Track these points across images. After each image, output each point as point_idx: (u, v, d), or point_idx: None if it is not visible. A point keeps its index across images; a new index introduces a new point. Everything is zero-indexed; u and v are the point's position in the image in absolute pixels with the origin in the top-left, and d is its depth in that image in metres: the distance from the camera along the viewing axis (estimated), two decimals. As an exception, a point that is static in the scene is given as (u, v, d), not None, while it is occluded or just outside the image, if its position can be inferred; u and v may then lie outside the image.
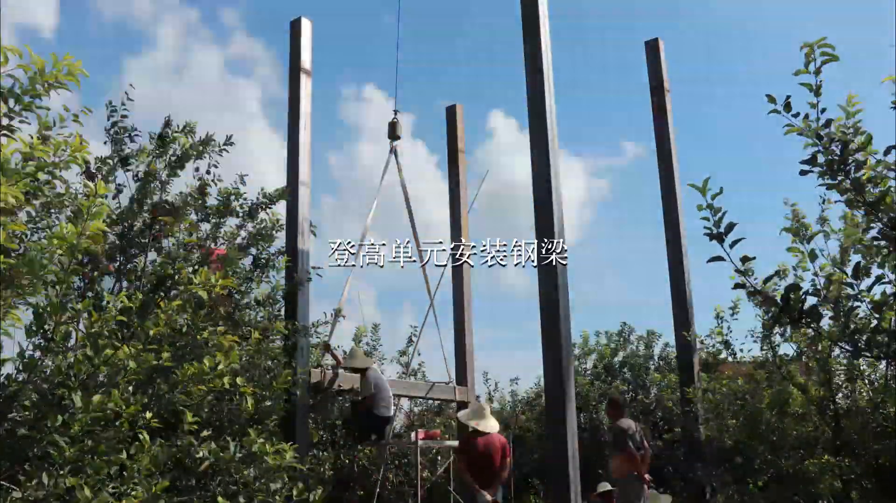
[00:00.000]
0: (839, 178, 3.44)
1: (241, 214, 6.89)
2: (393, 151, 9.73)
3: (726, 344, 7.41)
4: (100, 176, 6.11)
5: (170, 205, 6.06)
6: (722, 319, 7.41)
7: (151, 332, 3.99)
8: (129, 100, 6.36)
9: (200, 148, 6.45)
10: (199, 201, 6.41)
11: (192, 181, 6.52)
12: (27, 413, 3.62)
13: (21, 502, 3.40)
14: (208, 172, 6.58)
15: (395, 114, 9.82)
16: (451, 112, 10.58)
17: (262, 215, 7.01)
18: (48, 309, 3.53)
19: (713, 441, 7.57)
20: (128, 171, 6.30)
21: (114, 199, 6.17)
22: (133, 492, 3.65)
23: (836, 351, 6.41)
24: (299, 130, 8.21)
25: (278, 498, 4.24)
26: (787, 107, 3.45)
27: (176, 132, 6.43)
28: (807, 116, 3.42)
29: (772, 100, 3.47)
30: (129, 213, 6.00)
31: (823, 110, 3.37)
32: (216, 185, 6.61)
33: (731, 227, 3.42)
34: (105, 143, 6.35)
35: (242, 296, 6.78)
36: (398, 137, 9.78)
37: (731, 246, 3.45)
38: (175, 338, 4.25)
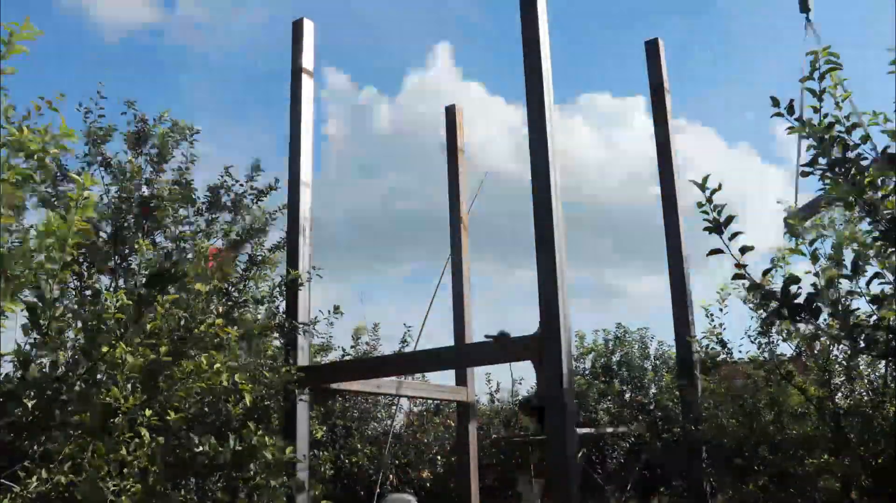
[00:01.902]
0: (840, 179, 3.48)
1: (231, 209, 6.91)
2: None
3: (722, 342, 7.40)
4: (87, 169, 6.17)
5: (159, 199, 6.08)
6: (711, 317, 7.41)
7: (149, 326, 4.00)
8: (101, 97, 6.35)
9: (177, 136, 6.49)
10: (184, 194, 6.43)
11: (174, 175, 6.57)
12: (26, 409, 3.63)
13: (21, 499, 3.41)
14: (187, 168, 6.62)
15: None
16: (450, 112, 10.59)
17: (254, 209, 7.04)
18: (42, 304, 3.54)
19: (713, 441, 7.57)
20: (111, 172, 6.32)
21: (100, 199, 6.18)
22: (132, 489, 3.66)
23: (835, 350, 6.42)
24: (300, 130, 8.25)
25: (279, 494, 4.26)
26: (790, 109, 3.51)
27: (150, 126, 6.47)
28: (810, 120, 3.49)
29: (776, 102, 3.53)
30: (118, 210, 6.03)
31: (826, 115, 3.45)
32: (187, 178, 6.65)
33: (730, 219, 3.52)
34: (86, 144, 6.35)
35: (241, 294, 6.80)
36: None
37: (731, 238, 3.55)
38: (173, 332, 4.26)
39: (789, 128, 3.48)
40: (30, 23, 3.22)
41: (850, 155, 3.39)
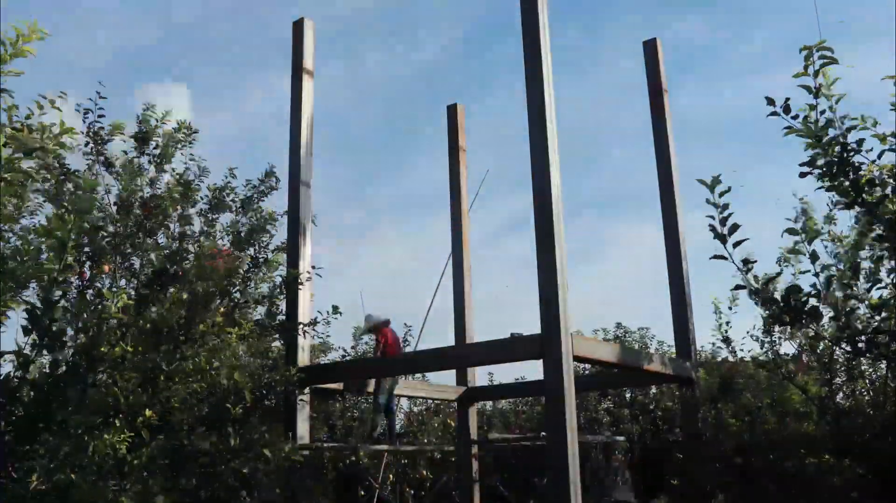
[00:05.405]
0: (839, 179, 3.45)
1: (234, 209, 6.91)
2: None
3: (726, 340, 7.37)
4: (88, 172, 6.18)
5: (158, 199, 6.08)
6: (720, 313, 7.37)
7: (149, 326, 4.01)
8: (101, 98, 6.33)
9: (179, 136, 6.50)
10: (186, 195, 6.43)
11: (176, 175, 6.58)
12: (26, 409, 3.63)
13: (21, 499, 3.41)
14: (188, 169, 6.63)
15: None
16: (451, 110, 10.57)
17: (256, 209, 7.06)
18: (42, 304, 3.54)
19: (713, 441, 7.55)
20: (112, 172, 6.31)
21: (101, 199, 6.17)
22: (133, 488, 3.66)
23: (837, 350, 6.41)
24: (301, 130, 8.23)
25: (278, 492, 4.26)
26: (787, 109, 3.46)
27: (152, 124, 6.48)
28: (806, 119, 3.43)
29: (771, 102, 3.49)
30: (120, 210, 6.02)
31: (823, 112, 3.39)
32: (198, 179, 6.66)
33: (735, 227, 3.48)
34: (87, 144, 6.33)
35: (242, 295, 6.79)
36: None
37: (735, 246, 3.51)
38: (174, 331, 4.26)
39: (787, 127, 3.44)
40: (37, 24, 3.20)
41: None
